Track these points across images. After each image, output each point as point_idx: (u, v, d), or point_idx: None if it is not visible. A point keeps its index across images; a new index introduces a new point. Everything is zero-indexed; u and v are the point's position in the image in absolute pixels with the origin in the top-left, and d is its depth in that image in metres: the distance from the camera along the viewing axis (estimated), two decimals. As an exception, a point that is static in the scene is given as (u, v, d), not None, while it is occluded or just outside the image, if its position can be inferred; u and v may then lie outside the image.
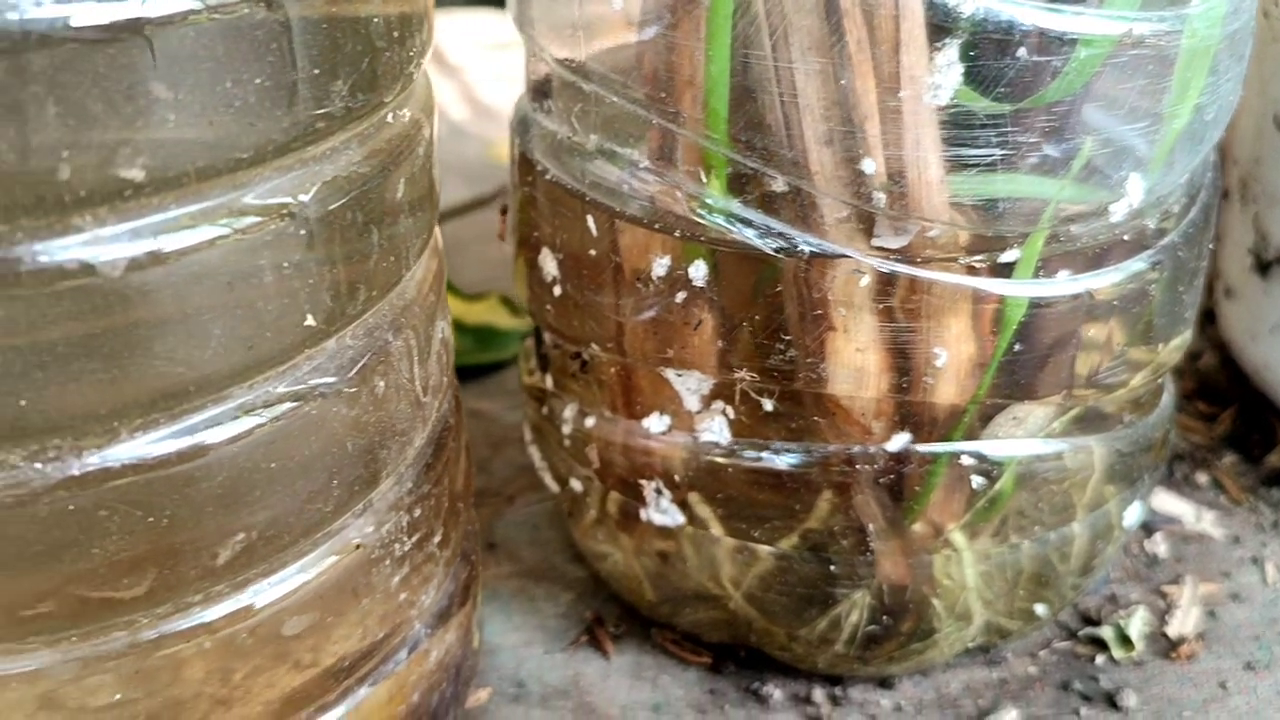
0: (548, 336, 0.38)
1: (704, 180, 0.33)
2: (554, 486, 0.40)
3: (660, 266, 0.33)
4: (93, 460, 0.25)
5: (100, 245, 0.23)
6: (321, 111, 0.26)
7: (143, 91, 0.23)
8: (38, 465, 0.24)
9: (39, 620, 0.25)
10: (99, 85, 0.22)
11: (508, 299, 0.57)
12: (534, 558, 0.44)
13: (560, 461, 0.39)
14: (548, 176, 0.35)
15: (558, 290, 0.36)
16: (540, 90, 0.36)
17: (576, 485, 0.39)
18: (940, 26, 0.29)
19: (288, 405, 0.27)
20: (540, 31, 0.35)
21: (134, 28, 0.22)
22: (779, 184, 0.32)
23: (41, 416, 0.24)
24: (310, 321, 0.27)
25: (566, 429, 0.38)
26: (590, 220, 0.34)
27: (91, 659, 0.26)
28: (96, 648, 0.26)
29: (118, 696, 0.27)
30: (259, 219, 0.25)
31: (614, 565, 0.40)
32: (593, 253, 0.34)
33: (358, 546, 0.30)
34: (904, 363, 0.33)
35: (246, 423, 0.26)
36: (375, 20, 0.27)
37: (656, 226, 0.34)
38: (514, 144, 0.38)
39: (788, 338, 0.33)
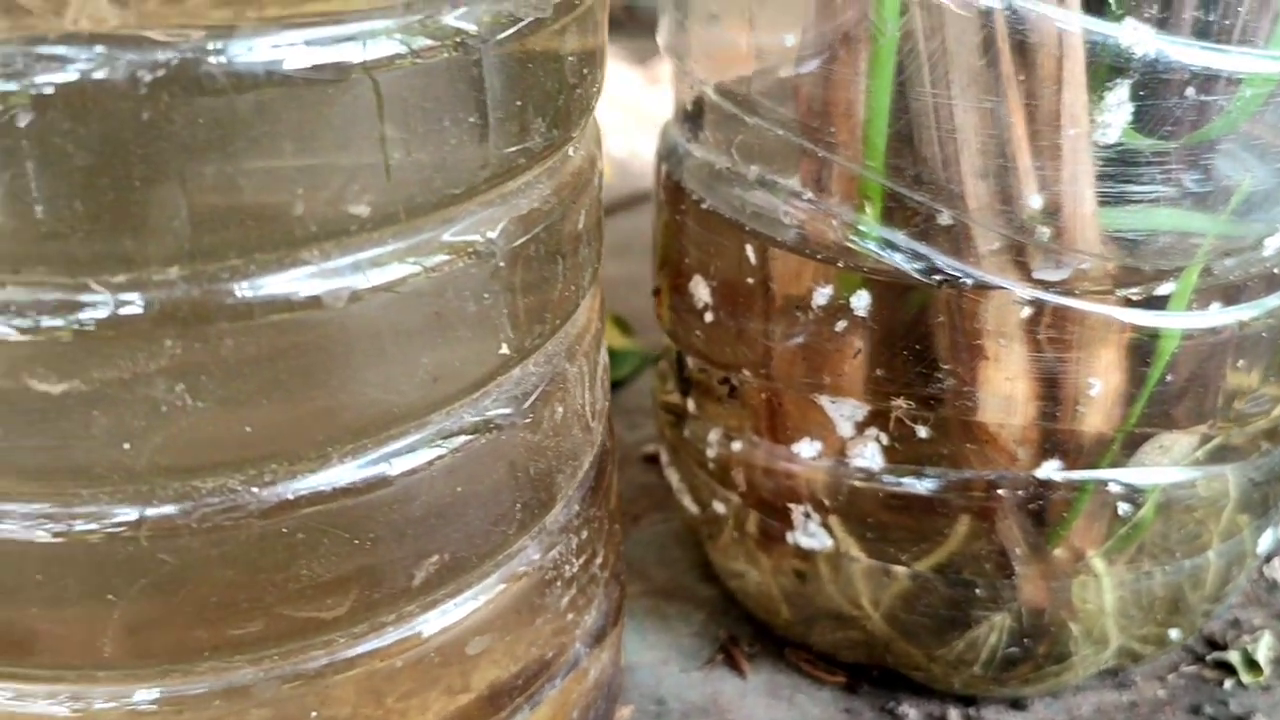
0: (692, 361, 0.39)
1: (860, 209, 0.33)
2: (694, 509, 0.41)
3: (821, 296, 0.34)
4: (305, 485, 0.26)
5: (326, 278, 0.24)
6: (521, 148, 0.26)
7: (369, 130, 0.24)
8: (254, 489, 0.25)
9: (246, 639, 0.26)
10: (330, 124, 0.23)
11: (620, 319, 0.58)
12: (664, 577, 0.45)
13: (702, 484, 0.40)
14: (704, 205, 0.35)
15: (709, 317, 0.37)
16: (693, 118, 0.37)
17: (719, 508, 0.39)
18: (1113, 67, 0.30)
19: (476, 433, 0.28)
20: (696, 60, 0.36)
21: (351, 70, 0.23)
22: (935, 215, 0.32)
23: (262, 442, 0.25)
24: (504, 350, 0.28)
25: (711, 452, 0.39)
26: (745, 247, 0.35)
27: (290, 677, 0.27)
28: (296, 666, 0.27)
29: (314, 715, 0.27)
30: (463, 252, 0.26)
31: (749, 584, 0.41)
32: (749, 280, 0.35)
33: (532, 569, 0.31)
34: (1053, 391, 0.34)
35: (445, 447, 0.27)
36: (569, 58, 0.27)
37: (811, 254, 0.34)
38: (661, 170, 0.38)
39: (945, 367, 0.33)
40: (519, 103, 0.26)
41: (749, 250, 0.35)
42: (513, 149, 0.26)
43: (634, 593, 0.44)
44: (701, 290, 0.37)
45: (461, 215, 0.26)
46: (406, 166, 0.24)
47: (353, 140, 0.24)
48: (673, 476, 0.42)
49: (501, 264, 0.27)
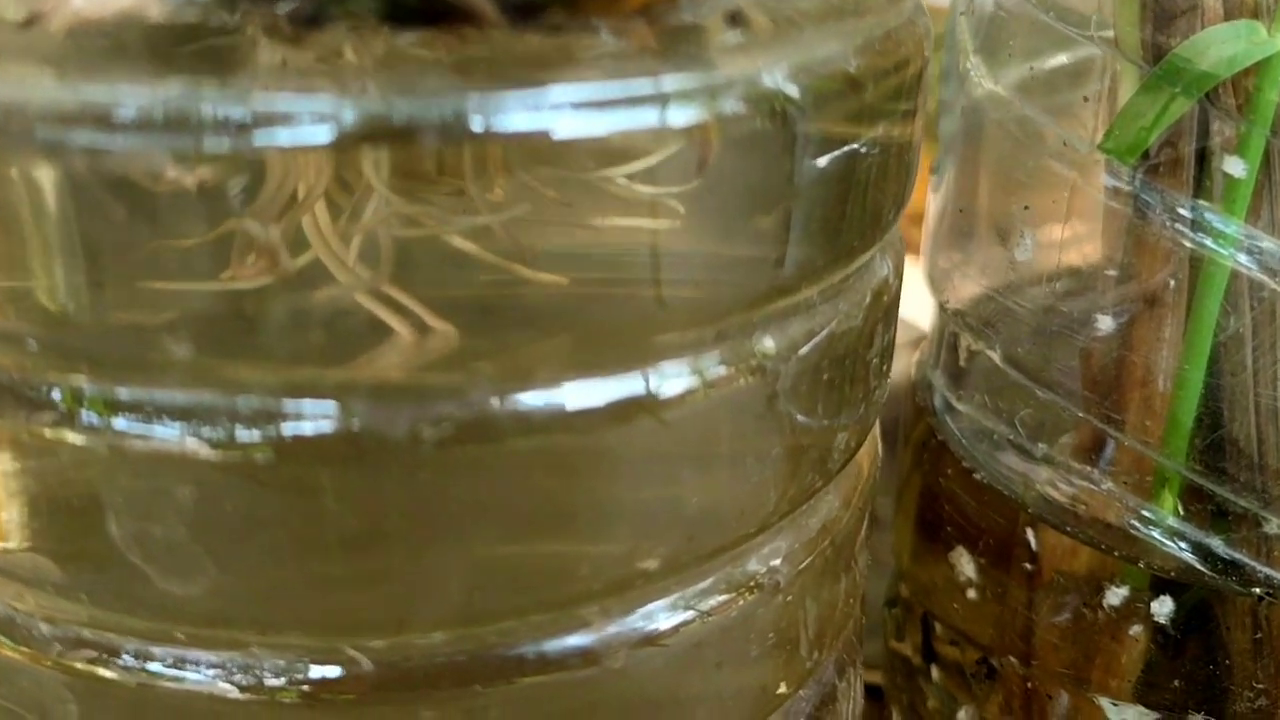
0: (940, 627, 0.35)
1: (1151, 496, 0.29)
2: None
3: (1103, 587, 0.30)
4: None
5: (603, 636, 0.21)
6: (821, 471, 0.23)
7: (665, 477, 0.20)
8: None
9: None
10: (619, 473, 0.20)
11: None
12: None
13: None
14: (976, 476, 0.32)
15: (972, 594, 0.33)
16: (958, 371, 0.33)
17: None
18: None
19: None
20: (964, 305, 0.32)
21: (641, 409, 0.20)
22: (1261, 521, 0.28)
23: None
24: (781, 689, 0.24)
25: (959, 732, 0.35)
26: (1026, 531, 0.31)
27: None
28: None
29: None
30: (746, 588, 0.23)
31: None
32: (1026, 565, 0.31)
33: None
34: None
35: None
36: (873, 360, 0.24)
37: (1086, 537, 0.30)
38: (913, 406, 0.35)
39: (1258, 686, 0.29)
40: (822, 421, 0.23)
41: (1029, 534, 0.31)
42: (810, 476, 0.23)
43: None
44: (965, 565, 0.33)
45: (750, 550, 0.23)
46: (702, 515, 0.21)
47: (645, 489, 0.20)
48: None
49: (788, 597, 0.23)
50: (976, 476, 0.32)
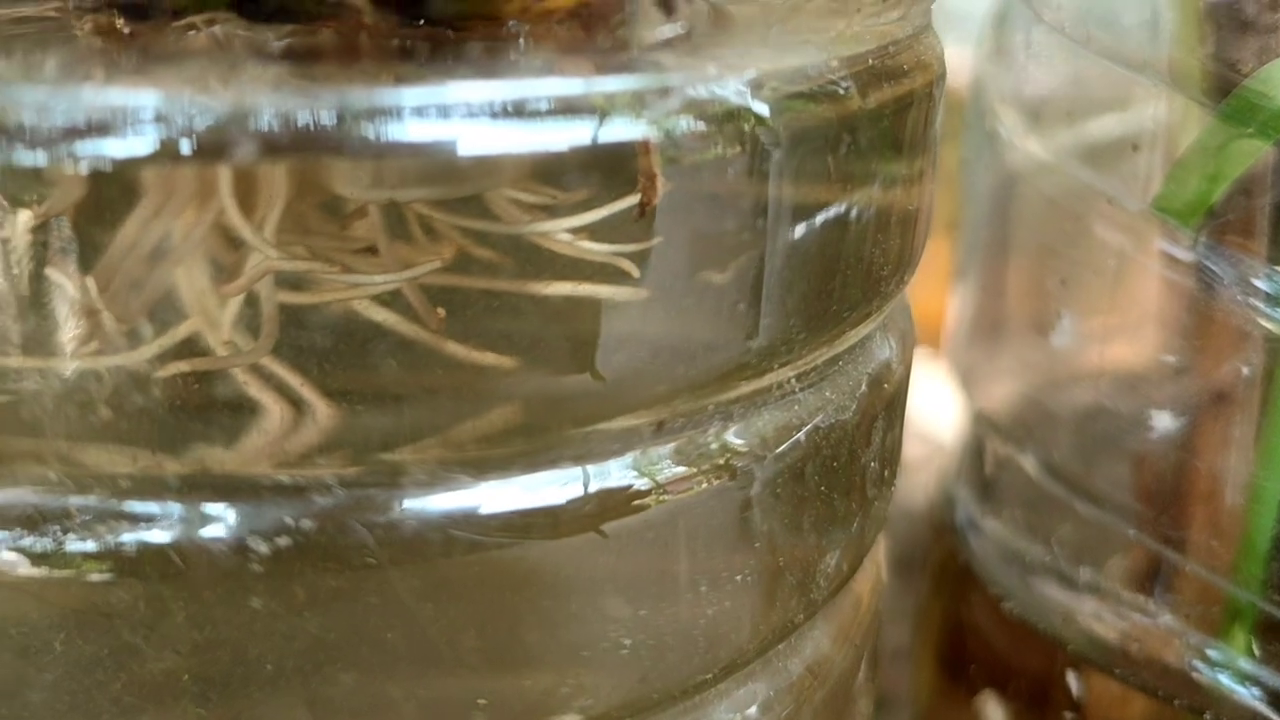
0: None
1: (1218, 632, 0.24)
2: None
3: (1159, 744, 0.25)
4: None
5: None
6: (805, 601, 0.18)
7: (587, 609, 0.16)
8: None
9: None
10: (529, 601, 0.15)
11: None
12: None
13: None
14: (1005, 606, 0.27)
15: (1002, 747, 0.28)
16: (985, 483, 0.28)
17: None
18: None
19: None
20: (993, 405, 0.27)
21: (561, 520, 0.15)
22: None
23: None
24: None
25: None
26: (1067, 674, 0.26)
27: None
28: None
29: None
30: None
31: None
32: (1067, 715, 0.26)
33: None
34: None
35: None
36: (870, 464, 0.19)
37: (1136, 680, 0.25)
38: (931, 539, 0.30)
39: None
40: (807, 539, 0.18)
41: (1071, 678, 0.26)
42: (791, 606, 0.18)
43: None
44: (994, 713, 0.28)
45: (716, 699, 0.18)
46: (652, 653, 0.16)
47: (574, 619, 0.16)
48: None
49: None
50: (1006, 607, 0.27)
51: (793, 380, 0.17)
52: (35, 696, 0.15)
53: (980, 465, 0.29)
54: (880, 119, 0.17)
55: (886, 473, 0.20)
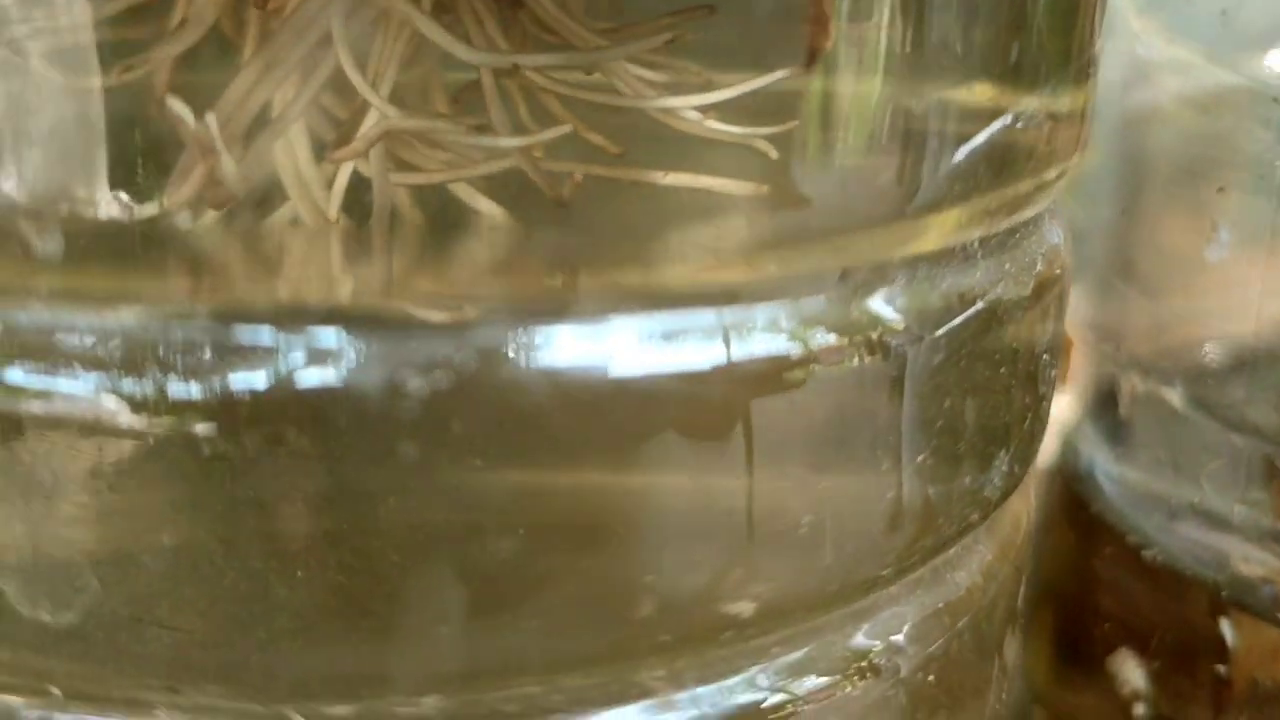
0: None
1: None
2: None
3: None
4: None
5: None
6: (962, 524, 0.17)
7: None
8: None
9: None
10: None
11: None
12: None
13: None
14: (1147, 554, 0.25)
15: (1139, 710, 0.26)
16: (1119, 425, 0.26)
17: None
18: None
19: None
20: (1132, 338, 0.26)
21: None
22: None
23: None
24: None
25: None
26: (1220, 619, 0.24)
27: None
28: None
29: None
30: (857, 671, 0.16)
31: None
32: (1218, 669, 0.24)
33: None
34: None
35: None
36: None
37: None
38: (1055, 487, 0.28)
39: None
40: (986, 428, 0.16)
41: (1223, 625, 0.24)
42: (969, 501, 0.16)
43: None
44: (1131, 673, 0.26)
45: (883, 603, 0.16)
46: (815, 540, 0.15)
47: (739, 490, 0.14)
48: None
49: (922, 682, 0.17)
50: (1148, 555, 0.25)
51: (975, 243, 0.15)
52: (153, 563, 0.13)
53: (1112, 408, 0.27)
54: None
55: (1053, 372, 0.18)
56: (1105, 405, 0.27)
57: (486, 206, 0.14)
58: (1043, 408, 0.18)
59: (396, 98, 0.13)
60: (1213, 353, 0.23)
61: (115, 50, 0.13)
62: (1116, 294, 0.26)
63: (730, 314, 0.14)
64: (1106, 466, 0.27)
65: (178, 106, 0.13)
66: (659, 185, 0.14)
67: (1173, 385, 0.24)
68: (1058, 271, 0.18)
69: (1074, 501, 0.27)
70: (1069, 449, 0.28)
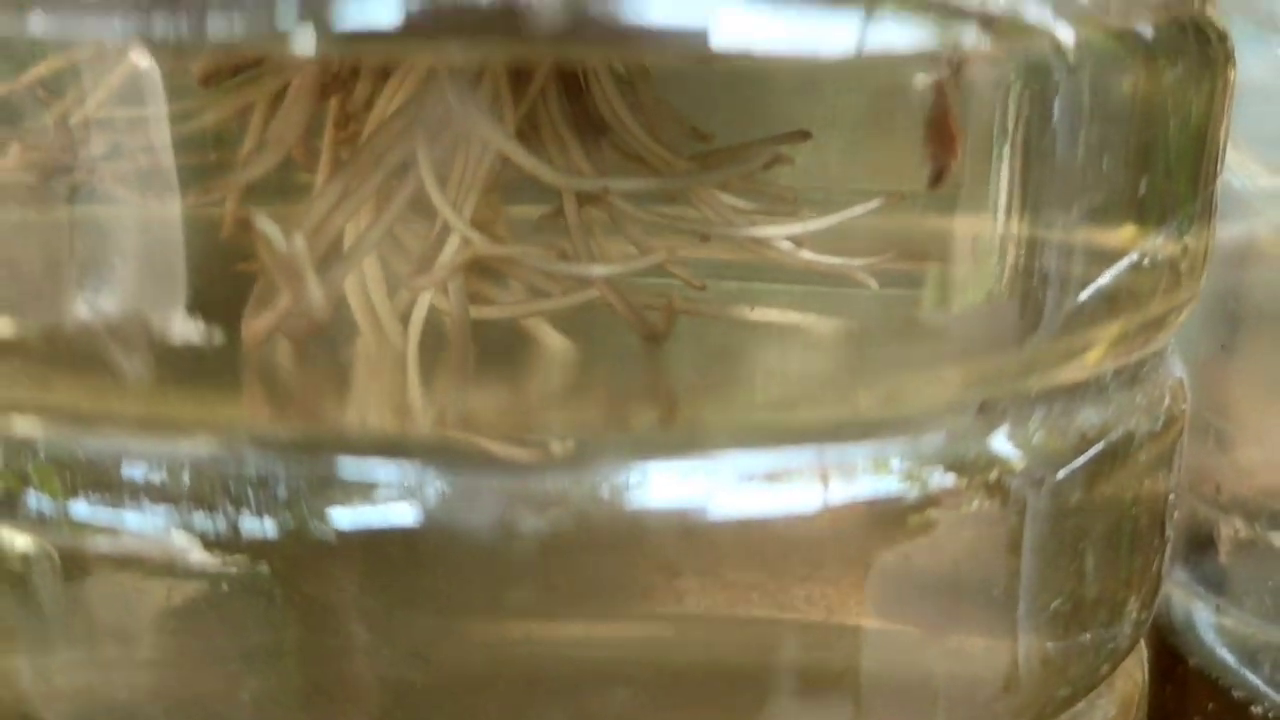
0: None
1: None
2: None
3: None
4: None
5: None
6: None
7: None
8: None
9: None
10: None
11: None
12: None
13: None
14: (1256, 710, 0.23)
15: None
16: (1219, 572, 0.25)
17: None
18: None
19: None
20: (1232, 481, 0.25)
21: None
22: None
23: None
24: None
25: None
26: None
27: None
28: None
29: None
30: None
31: None
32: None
33: None
34: None
35: None
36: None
37: None
38: (1150, 641, 0.27)
39: None
40: (1119, 570, 0.15)
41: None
42: (1100, 652, 0.15)
43: None
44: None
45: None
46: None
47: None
48: None
49: None
50: (1256, 711, 0.24)
51: (1109, 375, 0.15)
52: (229, 715, 0.12)
53: (1209, 554, 0.25)
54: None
55: (1176, 514, 0.17)
56: (1201, 552, 0.26)
57: (558, 340, 0.13)
58: (1166, 553, 0.17)
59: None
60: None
61: (194, 174, 0.13)
62: (1214, 434, 0.25)
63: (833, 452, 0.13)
64: (1206, 616, 0.26)
65: (268, 227, 0.12)
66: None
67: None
68: (1182, 406, 0.17)
69: (1169, 655, 0.26)
70: (1159, 599, 0.27)
